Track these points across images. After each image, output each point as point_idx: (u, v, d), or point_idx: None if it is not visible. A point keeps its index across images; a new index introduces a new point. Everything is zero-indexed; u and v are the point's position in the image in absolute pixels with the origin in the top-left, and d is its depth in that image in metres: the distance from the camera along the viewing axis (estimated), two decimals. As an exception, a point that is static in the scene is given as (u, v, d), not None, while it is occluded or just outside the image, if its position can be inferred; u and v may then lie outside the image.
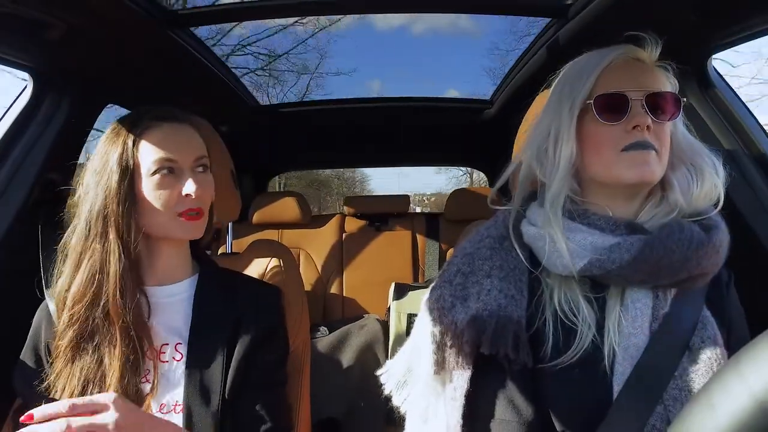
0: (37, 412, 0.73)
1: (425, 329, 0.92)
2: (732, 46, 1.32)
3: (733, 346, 0.85)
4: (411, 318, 2.18)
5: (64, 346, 0.92)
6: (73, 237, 0.96)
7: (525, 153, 0.94)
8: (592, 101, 0.85)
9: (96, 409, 0.76)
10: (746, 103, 1.44)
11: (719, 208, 0.87)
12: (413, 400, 0.96)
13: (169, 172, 0.94)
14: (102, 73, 1.48)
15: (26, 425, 0.72)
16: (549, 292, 0.86)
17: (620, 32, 0.91)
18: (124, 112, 1.69)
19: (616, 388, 0.80)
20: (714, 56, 1.40)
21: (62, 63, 1.36)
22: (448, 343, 0.87)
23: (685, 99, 0.88)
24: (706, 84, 1.41)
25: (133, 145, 0.94)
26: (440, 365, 0.88)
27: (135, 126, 0.96)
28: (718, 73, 1.43)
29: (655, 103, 0.83)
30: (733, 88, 1.45)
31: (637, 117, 0.82)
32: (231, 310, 1.01)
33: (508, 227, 0.93)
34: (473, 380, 0.85)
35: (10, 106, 1.35)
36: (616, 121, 0.83)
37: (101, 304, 0.92)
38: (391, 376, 0.99)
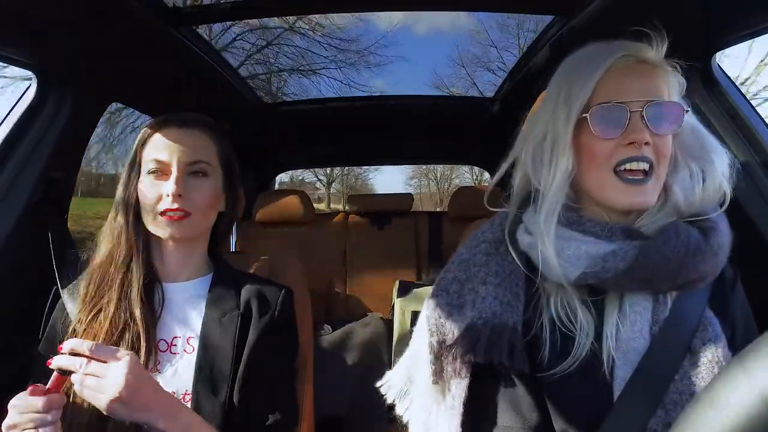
0: (67, 344, 0.83)
1: (423, 339, 0.91)
2: (737, 43, 1.32)
3: (739, 345, 0.83)
4: (416, 315, 2.17)
5: (80, 318, 0.99)
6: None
7: (520, 155, 0.91)
8: (588, 114, 0.81)
9: (113, 358, 0.83)
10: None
11: (723, 208, 0.84)
12: (414, 410, 0.95)
13: (160, 173, 1.01)
14: (105, 71, 1.49)
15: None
16: (546, 298, 0.85)
17: (625, 29, 0.89)
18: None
19: (617, 393, 0.78)
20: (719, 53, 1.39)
21: (65, 61, 1.36)
22: (445, 353, 0.86)
23: (689, 109, 0.83)
24: (711, 81, 1.40)
25: (142, 146, 1.04)
26: (438, 375, 0.88)
27: (147, 128, 1.05)
28: (723, 71, 1.43)
29: (656, 114, 0.80)
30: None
31: (635, 132, 0.79)
32: (243, 308, 1.05)
33: (505, 231, 0.91)
34: (473, 389, 0.84)
35: (15, 105, 1.35)
36: (613, 136, 0.81)
37: (109, 288, 1.00)
38: (391, 386, 0.98)
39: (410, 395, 0.96)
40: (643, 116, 0.79)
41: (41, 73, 1.36)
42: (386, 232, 2.89)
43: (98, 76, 1.48)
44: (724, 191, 0.84)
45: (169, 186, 0.98)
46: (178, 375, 0.99)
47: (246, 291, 1.07)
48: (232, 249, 2.55)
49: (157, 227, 1.00)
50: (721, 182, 0.84)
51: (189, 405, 0.95)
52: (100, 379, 0.81)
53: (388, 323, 2.33)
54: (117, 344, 0.94)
